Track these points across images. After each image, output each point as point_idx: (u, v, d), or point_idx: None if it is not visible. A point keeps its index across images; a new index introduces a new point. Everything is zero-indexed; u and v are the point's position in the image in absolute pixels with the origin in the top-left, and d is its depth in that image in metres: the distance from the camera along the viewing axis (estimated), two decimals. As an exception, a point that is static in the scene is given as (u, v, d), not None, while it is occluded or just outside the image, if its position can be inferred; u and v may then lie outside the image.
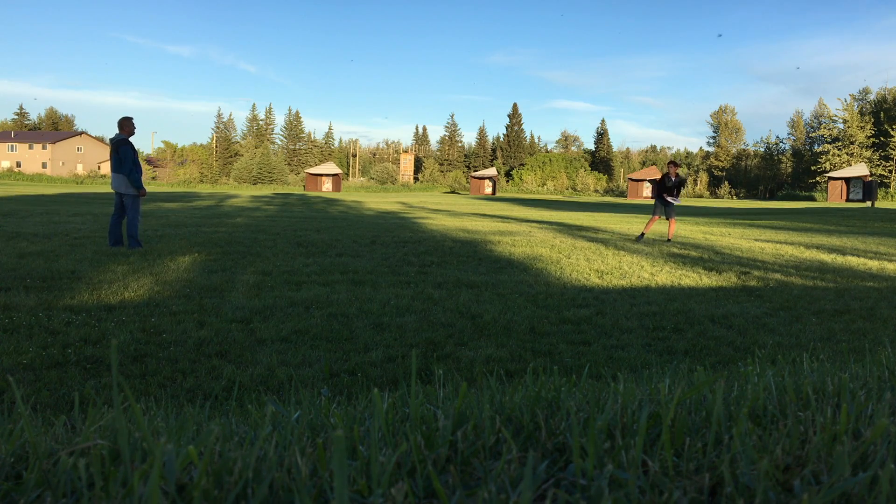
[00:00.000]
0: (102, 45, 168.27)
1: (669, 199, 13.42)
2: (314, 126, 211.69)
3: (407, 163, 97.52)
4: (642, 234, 13.49)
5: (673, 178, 13.45)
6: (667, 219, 13.48)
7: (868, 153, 75.13)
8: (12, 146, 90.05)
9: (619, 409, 1.25)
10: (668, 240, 13.21)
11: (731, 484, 0.93)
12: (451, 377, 3.80)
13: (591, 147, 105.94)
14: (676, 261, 9.95)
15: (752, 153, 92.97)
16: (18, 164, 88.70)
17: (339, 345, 4.91)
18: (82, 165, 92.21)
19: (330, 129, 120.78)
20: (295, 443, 1.12)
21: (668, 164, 13.79)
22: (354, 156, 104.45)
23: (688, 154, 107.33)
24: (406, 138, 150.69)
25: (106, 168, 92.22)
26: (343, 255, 9.55)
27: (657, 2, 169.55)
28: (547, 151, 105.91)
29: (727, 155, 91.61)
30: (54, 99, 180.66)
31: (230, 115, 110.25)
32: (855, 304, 6.81)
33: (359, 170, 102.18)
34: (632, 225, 18.37)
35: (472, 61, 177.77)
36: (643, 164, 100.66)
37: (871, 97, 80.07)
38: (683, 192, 15.56)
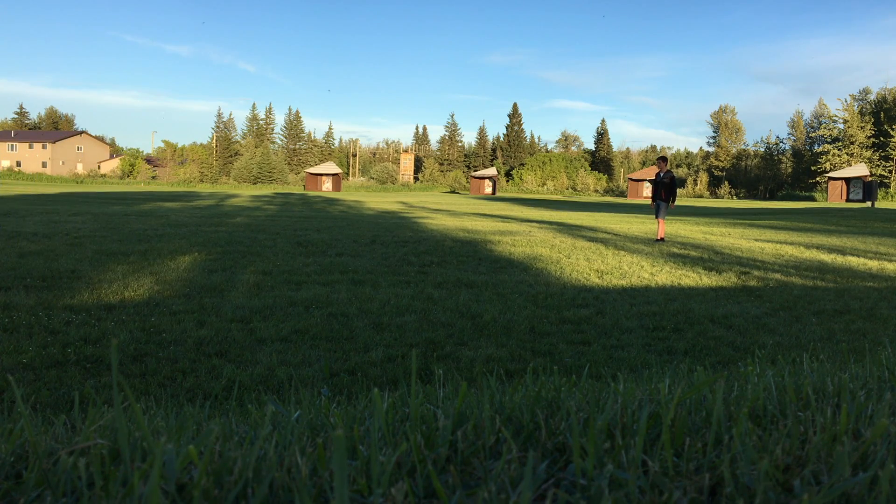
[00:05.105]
0: (101, 45, 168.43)
1: (658, 200, 13.50)
2: (314, 126, 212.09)
3: (407, 163, 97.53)
4: (661, 238, 13.35)
5: (661, 174, 13.48)
6: (657, 218, 13.56)
7: (868, 153, 75.10)
8: (12, 145, 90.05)
9: (619, 409, 1.25)
10: (656, 239, 13.12)
11: (731, 484, 0.93)
12: (451, 377, 3.80)
13: (591, 147, 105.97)
14: (676, 261, 9.95)
15: (752, 153, 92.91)
16: (18, 164, 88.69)
17: (339, 344, 4.92)
18: (82, 165, 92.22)
19: (330, 128, 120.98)
20: (295, 442, 1.12)
21: (657, 160, 13.88)
22: (354, 155, 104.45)
23: (688, 154, 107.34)
24: (406, 138, 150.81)
25: (106, 167, 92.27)
26: (343, 255, 9.55)
27: (657, 2, 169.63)
28: (547, 151, 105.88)
29: (727, 155, 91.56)
30: (54, 98, 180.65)
31: (230, 114, 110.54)
32: (855, 304, 6.81)
33: (359, 169, 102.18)
34: (632, 225, 18.37)
35: (472, 61, 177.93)
36: (643, 164, 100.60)
37: (871, 97, 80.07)
38: (677, 191, 15.45)
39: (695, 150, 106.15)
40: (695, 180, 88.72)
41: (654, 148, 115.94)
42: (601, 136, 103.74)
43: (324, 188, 71.79)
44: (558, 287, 7.48)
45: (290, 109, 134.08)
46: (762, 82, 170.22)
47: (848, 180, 60.36)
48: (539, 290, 7.24)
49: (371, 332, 5.28)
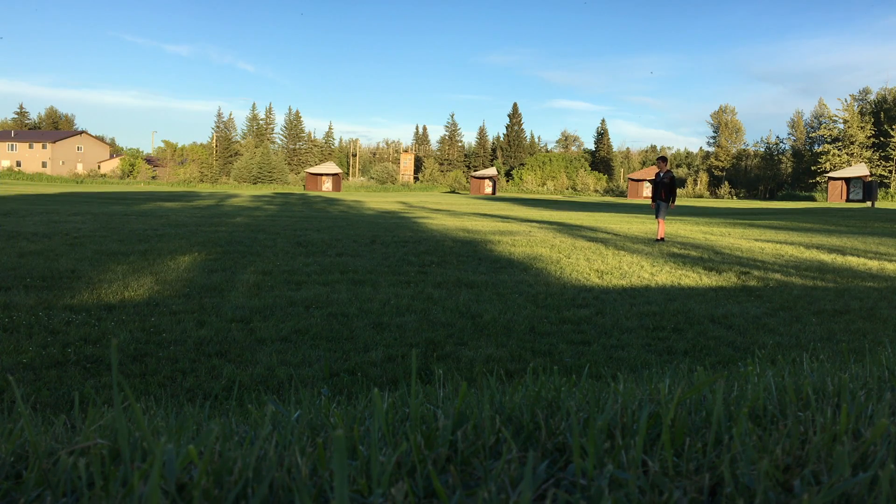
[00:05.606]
0: (101, 45, 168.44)
1: (658, 201, 13.53)
2: (314, 126, 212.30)
3: (407, 162, 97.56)
4: (661, 238, 13.33)
5: (661, 174, 13.52)
6: (657, 218, 13.61)
7: (868, 153, 75.09)
8: (12, 145, 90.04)
9: (619, 409, 1.25)
10: (656, 239, 13.15)
11: (731, 484, 0.93)
12: (451, 377, 3.80)
13: (591, 147, 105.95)
14: (676, 261, 9.95)
15: (752, 153, 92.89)
16: (18, 164, 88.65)
17: (339, 344, 4.92)
18: (82, 165, 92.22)
19: (330, 128, 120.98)
20: (295, 442, 1.12)
21: (657, 160, 13.92)
22: (354, 155, 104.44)
23: (688, 154, 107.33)
24: (406, 138, 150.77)
25: (106, 167, 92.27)
26: (343, 255, 9.55)
27: (657, 2, 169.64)
28: (547, 151, 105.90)
29: (727, 155, 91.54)
30: (54, 98, 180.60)
31: (230, 114, 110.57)
32: (855, 304, 6.80)
33: (359, 169, 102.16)
34: (632, 225, 18.36)
35: (472, 61, 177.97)
36: (643, 164, 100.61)
37: (871, 97, 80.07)
38: (677, 191, 15.49)
39: (695, 150, 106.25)
40: (695, 180, 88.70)
41: (654, 148, 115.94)
42: (601, 136, 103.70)
43: (324, 188, 71.78)
44: (558, 287, 7.48)
45: (290, 109, 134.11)
46: (762, 82, 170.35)
47: (848, 180, 60.35)
48: (539, 290, 7.24)
49: (371, 332, 5.28)
